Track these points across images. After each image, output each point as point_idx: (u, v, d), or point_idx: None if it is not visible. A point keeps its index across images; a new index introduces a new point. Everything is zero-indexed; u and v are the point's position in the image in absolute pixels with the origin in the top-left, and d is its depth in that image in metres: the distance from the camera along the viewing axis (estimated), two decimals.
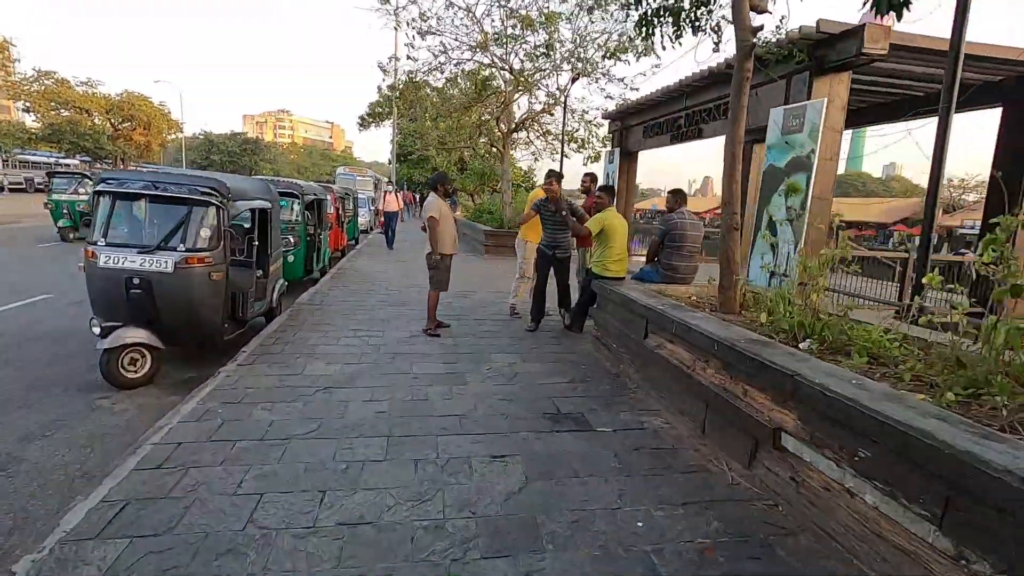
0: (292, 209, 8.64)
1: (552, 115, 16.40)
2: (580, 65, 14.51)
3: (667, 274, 5.30)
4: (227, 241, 4.82)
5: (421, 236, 6.13)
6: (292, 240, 8.34)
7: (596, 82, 15.00)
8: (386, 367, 4.63)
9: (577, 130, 16.41)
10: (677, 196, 5.41)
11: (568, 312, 6.42)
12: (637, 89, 13.93)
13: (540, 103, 15.03)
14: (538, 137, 17.05)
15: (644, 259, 5.81)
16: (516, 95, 14.23)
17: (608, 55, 14.36)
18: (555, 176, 6.03)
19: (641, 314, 4.32)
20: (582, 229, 5.50)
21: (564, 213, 5.97)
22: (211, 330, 4.86)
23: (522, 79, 14.17)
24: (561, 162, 15.39)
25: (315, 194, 9.34)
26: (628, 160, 12.79)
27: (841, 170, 7.66)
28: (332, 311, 6.75)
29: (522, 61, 14.03)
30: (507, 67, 13.85)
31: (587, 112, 16.22)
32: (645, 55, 14.14)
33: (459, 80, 14.43)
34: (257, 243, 5.75)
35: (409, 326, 6.13)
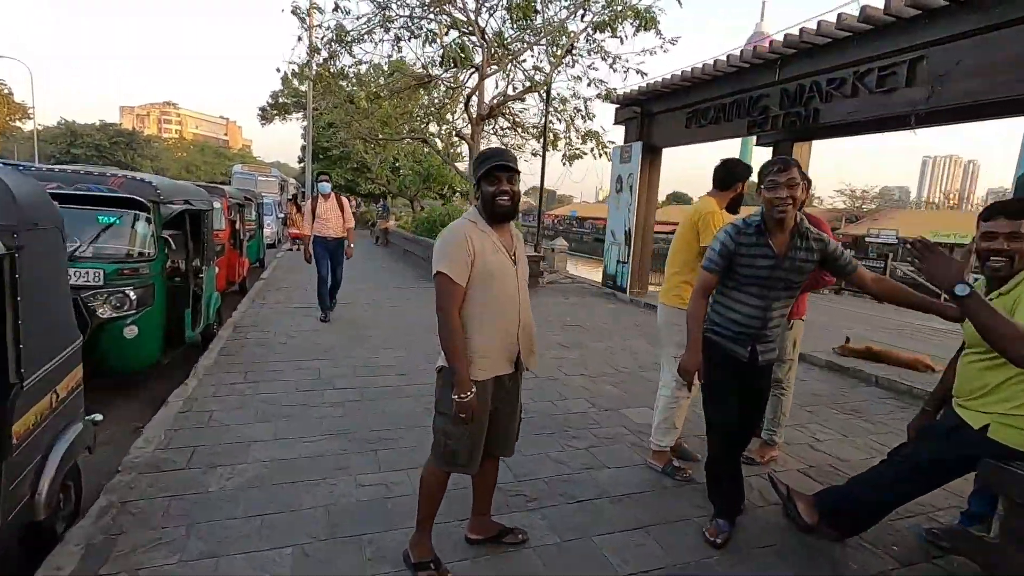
0: (134, 232, 4.38)
1: (523, 101, 12.86)
2: (565, 40, 11.13)
3: None
4: None
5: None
6: (130, 297, 4.16)
7: (573, 66, 11.67)
8: None
9: (555, 123, 13.02)
10: None
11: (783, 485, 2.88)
12: (645, 73, 10.75)
13: (518, 84, 11.46)
14: (508, 130, 13.44)
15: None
16: (490, 70, 10.55)
17: (600, 26, 11.11)
18: (797, 167, 2.46)
19: None
20: (1007, 328, 1.87)
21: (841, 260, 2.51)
22: None
23: (497, 48, 10.52)
24: (543, 164, 11.87)
25: (189, 201, 5.12)
26: (650, 158, 9.54)
27: None
28: (212, 525, 2.72)
29: (499, 24, 10.39)
30: (476, 30, 10.13)
31: (570, 100, 12.90)
32: (646, 28, 11.05)
33: (406, 47, 10.48)
34: None
35: None
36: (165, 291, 4.57)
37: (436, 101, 13.15)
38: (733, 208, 3.16)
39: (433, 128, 13.91)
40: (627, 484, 3.07)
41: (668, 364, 3.24)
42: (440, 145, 14.11)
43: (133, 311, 4.13)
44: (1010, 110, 4.57)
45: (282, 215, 19.20)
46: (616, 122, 10.40)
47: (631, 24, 10.84)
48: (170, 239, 4.84)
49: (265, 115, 35.87)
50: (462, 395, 1.97)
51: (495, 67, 11.02)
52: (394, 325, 6.78)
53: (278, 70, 9.83)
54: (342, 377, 4.65)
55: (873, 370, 5.44)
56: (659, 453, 3.23)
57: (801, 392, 4.62)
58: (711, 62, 7.47)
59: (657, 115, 9.19)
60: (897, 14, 5.13)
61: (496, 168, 2.02)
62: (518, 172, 2.06)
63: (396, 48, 10.18)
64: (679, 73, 8.19)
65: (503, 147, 2.24)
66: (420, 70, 11.96)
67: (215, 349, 5.30)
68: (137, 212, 4.35)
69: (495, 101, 11.15)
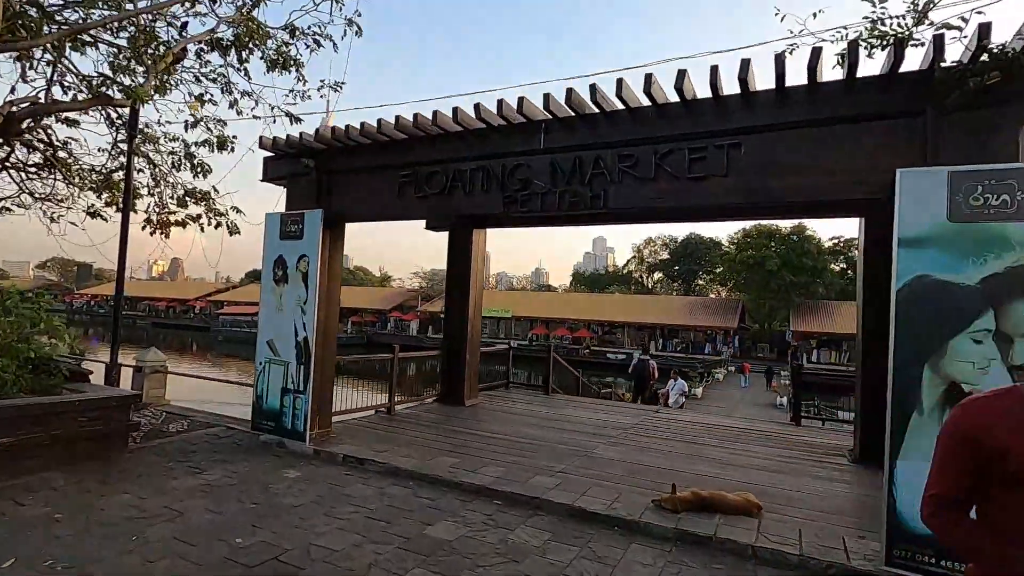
0: None
1: (76, 125, 7.67)
2: (163, 49, 7.25)
3: None
4: None
5: None
6: None
7: (171, 91, 7.75)
8: None
9: (138, 172, 8.40)
10: None
11: None
12: (298, 119, 7.80)
13: (67, 88, 6.48)
14: (37, 169, 7.55)
15: None
16: None
17: (219, 46, 7.73)
18: None
19: None
20: None
21: None
22: None
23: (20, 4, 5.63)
24: (125, 228, 7.03)
25: None
26: (331, 234, 6.59)
27: None
28: None
29: None
30: None
31: (164, 141, 8.56)
32: (284, 68, 8.22)
33: None
34: None
35: None
36: None
37: None
38: None
39: None
40: None
41: None
42: None
43: None
44: (838, 209, 4.12)
45: None
46: (268, 178, 6.95)
47: (264, 58, 7.79)
48: None
49: None
50: None
51: (8, 43, 5.89)
52: None
53: None
54: None
55: (727, 532, 4.11)
56: None
57: None
58: (448, 112, 5.37)
59: (348, 174, 6.38)
60: (718, 91, 4.28)
61: None
62: None
63: None
64: (390, 121, 5.75)
65: None
66: None
67: None
68: None
69: (19, 109, 5.86)
